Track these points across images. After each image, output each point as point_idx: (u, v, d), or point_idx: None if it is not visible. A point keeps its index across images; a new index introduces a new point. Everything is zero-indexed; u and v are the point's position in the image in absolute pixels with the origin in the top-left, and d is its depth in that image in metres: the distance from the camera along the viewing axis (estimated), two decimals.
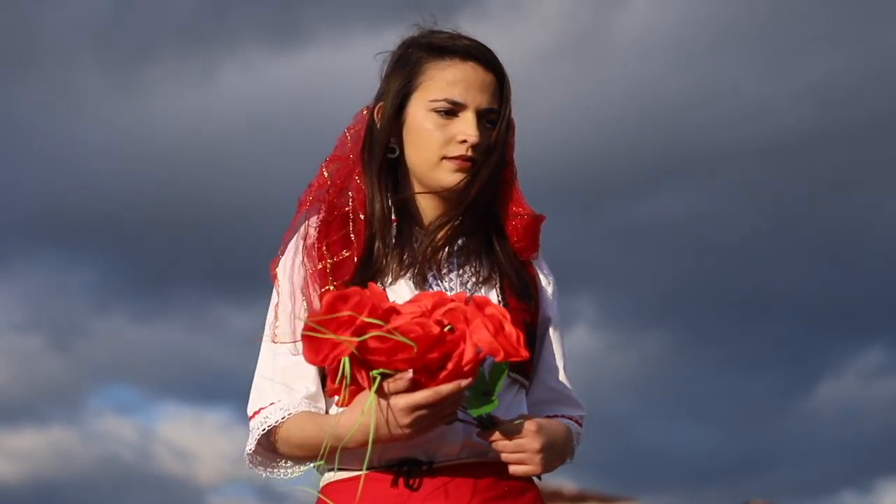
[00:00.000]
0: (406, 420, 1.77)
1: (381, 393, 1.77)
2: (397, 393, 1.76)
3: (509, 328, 1.78)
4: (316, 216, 2.02)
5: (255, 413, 1.98)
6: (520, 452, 1.88)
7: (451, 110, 1.98)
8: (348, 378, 1.74)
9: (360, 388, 1.79)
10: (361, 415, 1.78)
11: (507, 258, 2.05)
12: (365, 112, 2.08)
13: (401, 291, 1.96)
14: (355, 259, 1.98)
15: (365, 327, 1.72)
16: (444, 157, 1.99)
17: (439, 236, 2.01)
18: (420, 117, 2.00)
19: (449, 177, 2.00)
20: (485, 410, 1.83)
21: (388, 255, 1.99)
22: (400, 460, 1.91)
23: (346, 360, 1.73)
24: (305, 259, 1.99)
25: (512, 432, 1.87)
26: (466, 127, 1.97)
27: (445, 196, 2.02)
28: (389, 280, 1.98)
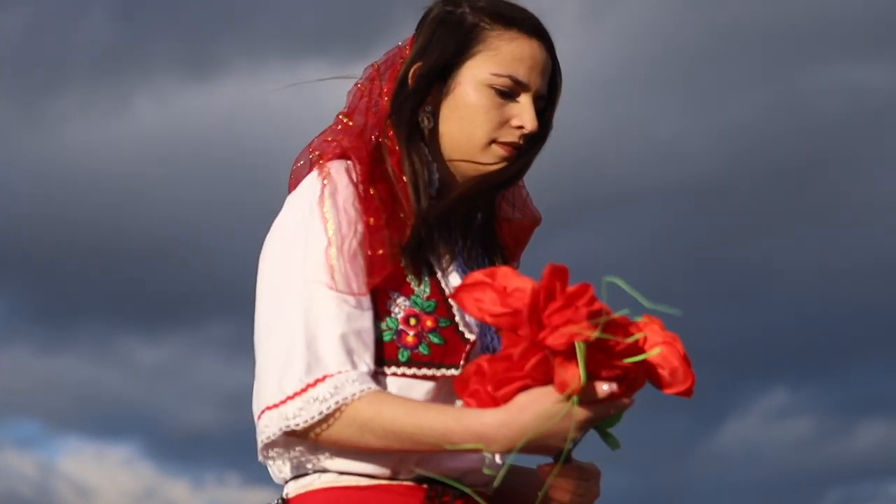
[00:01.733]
0: (575, 433, 1.55)
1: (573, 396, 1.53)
2: (593, 402, 1.53)
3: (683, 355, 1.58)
4: (355, 160, 1.73)
5: (311, 384, 1.59)
6: (584, 496, 1.68)
7: (511, 90, 1.74)
8: (583, 371, 1.49)
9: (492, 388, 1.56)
10: (540, 418, 1.52)
11: (502, 261, 1.85)
12: (376, 67, 1.82)
13: (452, 278, 1.75)
14: (409, 225, 1.70)
15: (604, 323, 1.49)
16: (494, 141, 1.75)
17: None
18: (472, 90, 1.74)
19: (495, 164, 1.76)
20: (609, 426, 1.62)
21: (436, 231, 1.73)
22: (428, 477, 1.68)
23: (580, 346, 1.48)
24: (358, 203, 1.69)
25: (588, 474, 1.68)
26: (525, 113, 1.74)
27: (481, 179, 1.78)
28: (444, 262, 1.76)
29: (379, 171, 1.72)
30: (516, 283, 1.55)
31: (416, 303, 1.69)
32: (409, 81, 1.76)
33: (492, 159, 1.76)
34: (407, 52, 1.80)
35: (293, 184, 1.79)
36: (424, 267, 1.71)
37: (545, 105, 1.78)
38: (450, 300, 1.70)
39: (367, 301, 1.66)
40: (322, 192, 1.68)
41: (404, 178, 1.72)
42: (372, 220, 1.67)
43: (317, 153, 1.77)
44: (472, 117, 1.74)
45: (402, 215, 1.70)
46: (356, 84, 1.83)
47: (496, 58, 1.74)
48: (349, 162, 1.72)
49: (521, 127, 1.74)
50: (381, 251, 1.66)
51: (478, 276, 1.58)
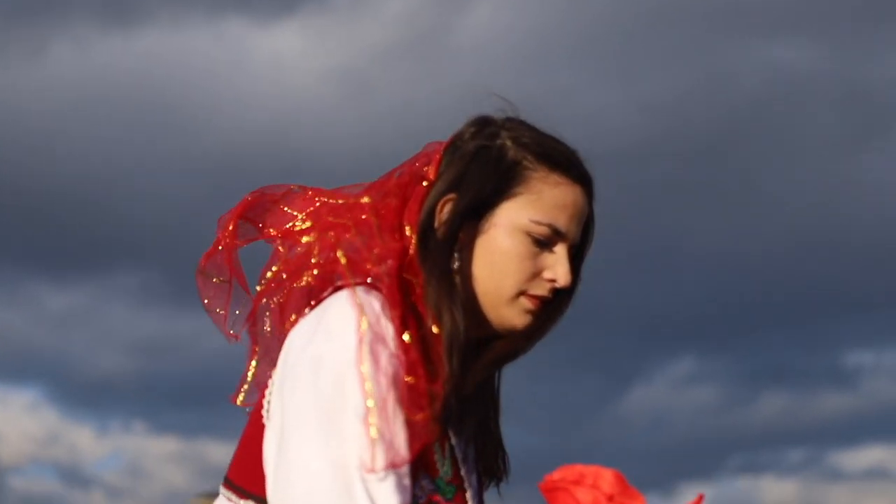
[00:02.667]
0: None
1: None
2: None
3: None
4: (388, 302, 1.52)
5: None
6: None
7: (548, 239, 1.58)
8: None
9: None
10: None
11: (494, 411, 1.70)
12: (420, 167, 1.62)
13: (469, 452, 1.62)
14: (439, 383, 1.50)
15: None
16: (523, 293, 1.59)
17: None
18: (506, 235, 1.57)
19: (520, 317, 1.59)
20: None
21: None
22: None
23: None
24: (395, 355, 1.49)
25: None
26: (560, 266, 1.58)
27: (513, 345, 1.64)
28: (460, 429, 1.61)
29: (407, 306, 1.53)
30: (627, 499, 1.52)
31: (439, 486, 1.54)
32: (437, 212, 1.58)
33: (518, 312, 1.59)
34: (430, 174, 1.61)
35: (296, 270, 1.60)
36: (447, 439, 1.57)
37: (575, 253, 1.63)
38: (464, 482, 1.58)
39: (407, 471, 1.47)
40: (360, 347, 1.46)
41: (438, 332, 1.53)
42: (410, 378, 1.48)
43: (344, 266, 1.56)
44: (505, 265, 1.58)
45: (430, 368, 1.51)
46: (394, 173, 1.64)
47: (538, 203, 1.58)
48: (381, 296, 1.52)
49: (553, 280, 1.59)
50: (420, 415, 1.47)
51: (578, 473, 1.53)
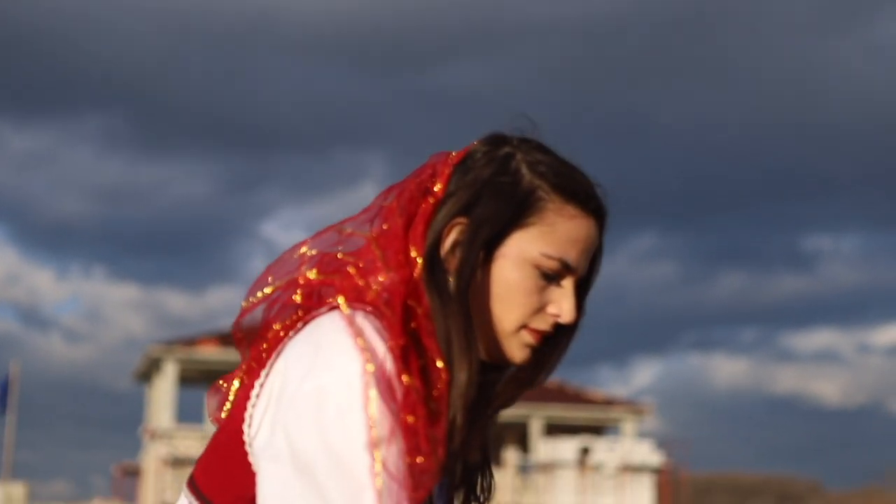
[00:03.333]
0: None
1: None
2: None
3: None
4: (389, 333, 1.42)
5: None
6: None
7: (557, 273, 1.51)
8: None
9: None
10: None
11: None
12: (426, 179, 1.53)
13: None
14: (441, 422, 1.41)
15: None
16: (524, 326, 1.52)
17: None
18: (515, 266, 1.50)
19: (519, 351, 1.53)
20: None
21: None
22: None
23: None
24: (396, 393, 1.39)
25: None
26: (566, 302, 1.52)
27: (518, 386, 1.58)
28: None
29: (409, 336, 1.44)
30: None
31: None
32: (444, 236, 1.50)
33: (518, 346, 1.52)
34: (438, 190, 1.52)
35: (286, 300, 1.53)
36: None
37: (581, 285, 1.56)
38: None
39: None
40: (365, 387, 1.37)
41: (439, 364, 1.44)
42: (411, 418, 1.38)
43: (340, 291, 1.47)
44: (511, 298, 1.50)
45: (430, 405, 1.41)
46: (390, 195, 1.54)
47: (550, 237, 1.50)
48: (380, 324, 1.42)
49: (557, 315, 1.52)
50: (420, 459, 1.38)
51: None
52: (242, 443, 1.45)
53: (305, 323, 1.47)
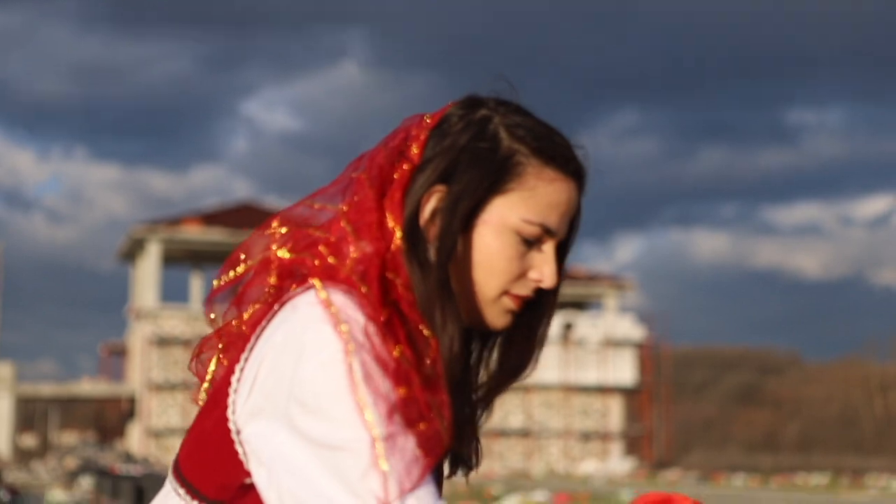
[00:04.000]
0: None
1: None
2: None
3: None
4: (360, 300, 1.40)
5: None
6: None
7: (538, 238, 1.50)
8: None
9: None
10: None
11: None
12: (400, 145, 1.50)
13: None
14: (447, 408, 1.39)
15: None
16: (506, 293, 1.50)
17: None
18: (495, 233, 1.48)
19: (500, 317, 1.51)
20: None
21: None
22: None
23: None
24: (384, 362, 1.37)
25: None
26: (547, 266, 1.50)
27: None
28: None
29: (391, 308, 1.41)
30: None
31: None
32: (423, 204, 1.47)
33: (498, 312, 1.51)
34: (414, 156, 1.49)
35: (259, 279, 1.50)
36: None
37: (561, 246, 1.54)
38: None
39: (429, 480, 1.35)
40: (351, 373, 1.34)
41: (429, 335, 1.41)
42: (403, 390, 1.36)
43: (313, 271, 1.45)
44: (491, 265, 1.48)
45: (426, 371, 1.40)
46: (356, 167, 1.51)
47: (530, 201, 1.48)
48: (357, 301, 1.39)
49: (538, 281, 1.51)
50: (424, 426, 1.35)
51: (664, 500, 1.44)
52: (228, 431, 1.42)
53: (281, 305, 1.44)
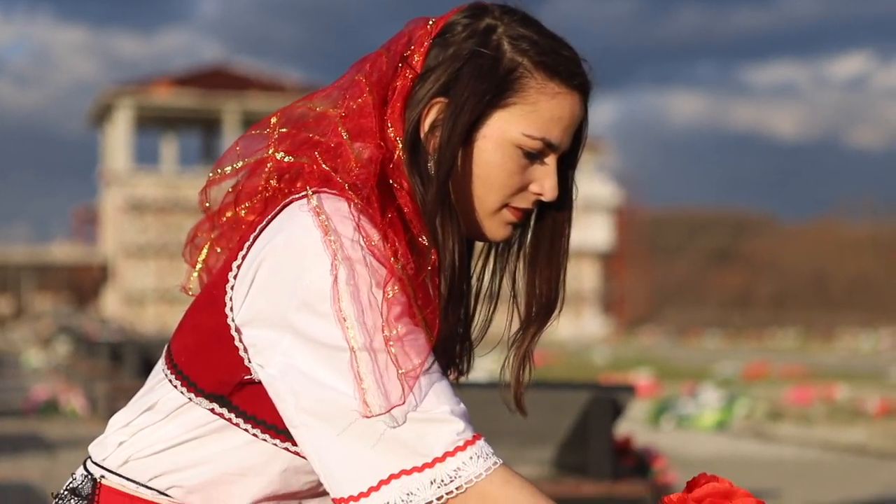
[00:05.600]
0: None
1: None
2: None
3: None
4: (356, 208, 1.39)
5: (468, 442, 1.34)
6: None
7: (540, 152, 1.49)
8: None
9: None
10: None
11: None
12: (402, 50, 1.49)
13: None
14: (437, 315, 1.41)
15: None
16: (506, 206, 1.51)
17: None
18: (496, 147, 1.47)
19: (501, 229, 1.51)
20: None
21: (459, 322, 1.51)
22: None
23: None
24: (379, 287, 1.37)
25: None
26: (548, 180, 1.50)
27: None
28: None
29: (393, 211, 1.42)
30: None
31: None
32: (424, 116, 1.46)
33: (499, 224, 1.51)
34: (416, 63, 1.47)
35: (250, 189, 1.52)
36: None
37: (566, 159, 1.53)
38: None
39: (434, 367, 1.38)
40: (335, 286, 1.34)
41: (429, 245, 1.42)
42: (396, 293, 1.37)
43: (309, 176, 1.45)
44: (492, 179, 1.48)
45: (423, 279, 1.40)
46: (357, 74, 1.49)
47: (532, 115, 1.47)
48: (353, 209, 1.38)
49: (539, 194, 1.50)
50: (414, 336, 1.37)
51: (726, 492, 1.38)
52: (227, 328, 1.42)
53: (281, 208, 1.45)
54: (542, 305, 1.57)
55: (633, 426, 7.12)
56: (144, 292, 46.98)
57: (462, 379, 1.61)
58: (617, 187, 54.62)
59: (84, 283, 53.07)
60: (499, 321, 1.62)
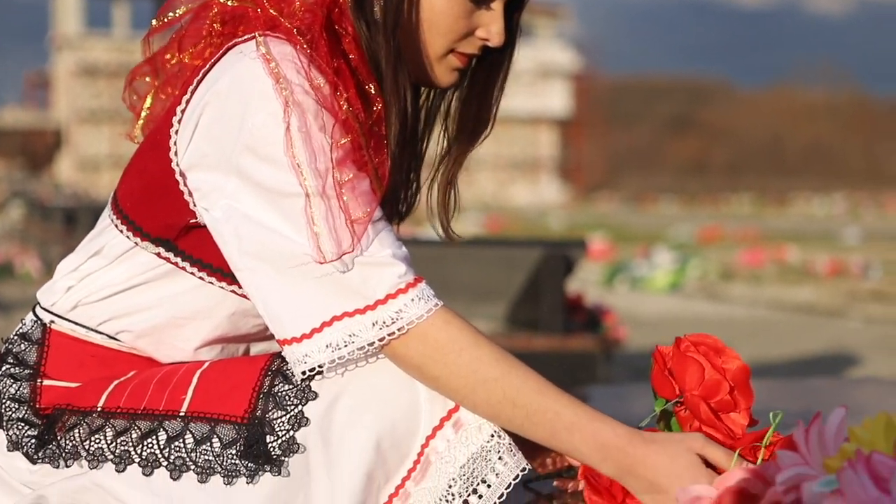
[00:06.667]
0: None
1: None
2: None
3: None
4: (303, 54, 1.38)
5: (410, 285, 1.35)
6: None
7: None
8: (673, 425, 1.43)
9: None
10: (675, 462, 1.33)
11: None
12: None
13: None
14: (387, 146, 1.42)
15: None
16: (452, 51, 1.49)
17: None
18: None
19: (447, 75, 1.51)
20: None
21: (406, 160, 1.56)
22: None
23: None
24: (326, 136, 1.36)
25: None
26: (495, 25, 1.48)
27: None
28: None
29: (339, 57, 1.40)
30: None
31: None
32: None
33: (445, 70, 1.50)
34: None
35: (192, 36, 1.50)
36: None
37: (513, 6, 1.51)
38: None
39: (378, 217, 1.39)
40: (288, 134, 1.33)
41: (377, 92, 1.41)
42: (345, 139, 1.37)
43: (255, 21, 1.43)
44: (439, 24, 1.46)
45: (370, 127, 1.40)
46: None
47: None
48: (300, 54, 1.37)
49: (485, 40, 1.49)
50: (362, 182, 1.37)
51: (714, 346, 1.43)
52: (172, 172, 1.41)
53: (225, 51, 1.43)
54: (473, 123, 1.56)
55: (587, 289, 7.20)
56: (98, 158, 46.54)
57: (406, 232, 1.63)
58: (575, 53, 54.24)
59: (37, 149, 52.45)
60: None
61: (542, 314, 4.25)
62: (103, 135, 46.47)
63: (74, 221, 13.11)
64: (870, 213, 30.31)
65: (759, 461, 1.34)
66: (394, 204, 1.58)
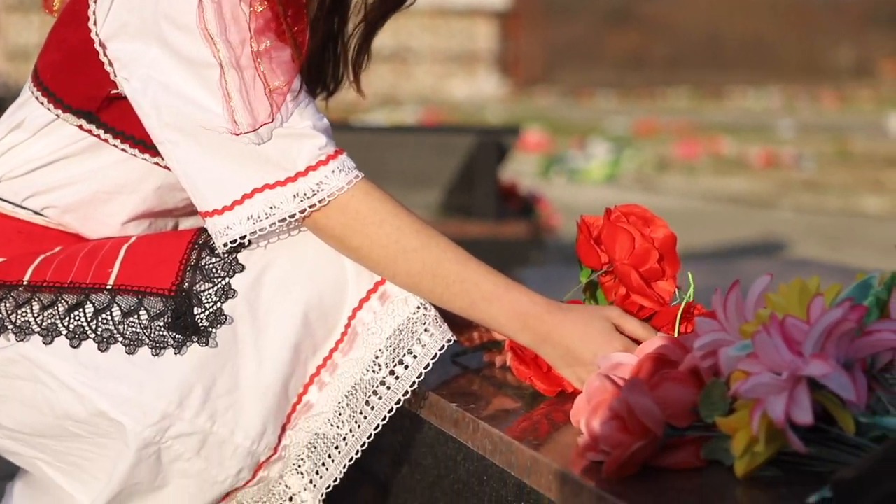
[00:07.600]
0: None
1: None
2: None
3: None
4: None
5: (331, 156, 1.34)
6: None
7: None
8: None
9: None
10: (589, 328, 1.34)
11: None
12: None
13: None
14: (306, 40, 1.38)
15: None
16: None
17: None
18: None
19: None
20: None
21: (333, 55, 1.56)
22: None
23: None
24: (246, 2, 1.33)
25: None
26: None
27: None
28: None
29: None
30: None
31: None
32: None
33: None
34: None
35: None
36: None
37: None
38: None
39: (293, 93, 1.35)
40: (200, 5, 1.31)
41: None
42: (263, 15, 1.33)
43: None
44: None
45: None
46: None
47: None
48: None
49: None
50: (281, 52, 1.34)
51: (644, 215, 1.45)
52: (91, 42, 1.39)
53: None
54: None
55: (524, 181, 7.23)
56: (28, 47, 45.55)
57: (334, 112, 1.61)
58: None
59: None
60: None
61: (476, 201, 4.26)
62: (33, 24, 45.46)
63: (3, 111, 12.88)
64: (805, 107, 30.53)
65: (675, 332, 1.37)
66: (320, 79, 1.57)
